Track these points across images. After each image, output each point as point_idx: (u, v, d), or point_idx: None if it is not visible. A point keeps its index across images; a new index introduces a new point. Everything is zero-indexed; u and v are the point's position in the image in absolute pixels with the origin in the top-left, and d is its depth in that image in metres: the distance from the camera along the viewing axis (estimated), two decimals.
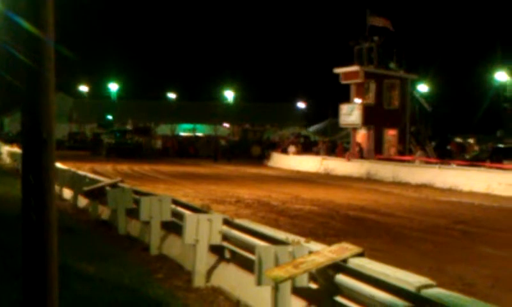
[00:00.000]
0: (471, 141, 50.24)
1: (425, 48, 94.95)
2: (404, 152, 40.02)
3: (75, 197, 18.83)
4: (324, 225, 15.76)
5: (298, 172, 39.62)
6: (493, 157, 33.55)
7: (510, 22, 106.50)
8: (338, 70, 42.89)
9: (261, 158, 52.20)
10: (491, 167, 29.90)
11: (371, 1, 43.55)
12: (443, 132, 57.23)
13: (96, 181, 17.26)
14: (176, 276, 9.70)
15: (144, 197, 12.02)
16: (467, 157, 39.45)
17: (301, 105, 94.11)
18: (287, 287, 6.69)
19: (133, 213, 13.25)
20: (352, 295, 5.99)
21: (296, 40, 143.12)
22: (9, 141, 58.72)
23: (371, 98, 42.04)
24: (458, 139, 49.90)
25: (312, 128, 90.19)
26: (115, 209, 13.90)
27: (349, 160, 39.24)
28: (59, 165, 20.21)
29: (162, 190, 22.27)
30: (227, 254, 9.19)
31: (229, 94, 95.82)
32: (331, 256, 6.30)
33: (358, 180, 33.19)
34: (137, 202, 12.64)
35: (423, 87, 51.66)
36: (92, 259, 10.42)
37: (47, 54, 3.94)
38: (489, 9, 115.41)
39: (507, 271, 10.83)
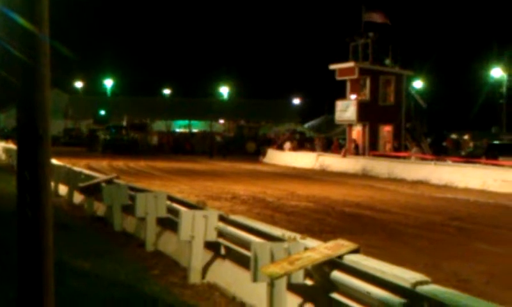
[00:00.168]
0: (466, 137, 50.36)
1: (421, 45, 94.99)
2: (400, 148, 40.02)
3: (70, 194, 18.78)
4: (320, 221, 15.78)
5: (294, 168, 39.61)
6: (489, 154, 33.59)
7: (506, 18, 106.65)
8: (334, 66, 42.89)
9: (256, 155, 52.15)
10: (486, 164, 29.96)
11: None
12: (438, 128, 57.34)
13: (92, 177, 17.22)
14: (172, 273, 9.69)
15: (140, 194, 12.01)
16: (462, 153, 39.52)
17: (296, 101, 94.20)
18: (282, 283, 6.69)
19: (129, 209, 13.23)
20: (347, 291, 6.00)
21: (292, 36, 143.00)
22: (4, 137, 58.56)
23: (366, 94, 42.03)
24: (453, 136, 50.01)
25: (308, 125, 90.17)
26: (111, 205, 13.86)
27: (344, 156, 39.28)
28: (54, 161, 20.15)
29: (158, 186, 22.28)
30: (223, 251, 9.19)
31: (224, 91, 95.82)
32: (327, 252, 6.30)
33: (354, 176, 33.21)
34: (132, 198, 12.64)
35: (418, 84, 51.73)
36: (88, 256, 10.42)
37: (42, 50, 3.93)
38: (485, 6, 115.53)
39: (502, 267, 10.87)
